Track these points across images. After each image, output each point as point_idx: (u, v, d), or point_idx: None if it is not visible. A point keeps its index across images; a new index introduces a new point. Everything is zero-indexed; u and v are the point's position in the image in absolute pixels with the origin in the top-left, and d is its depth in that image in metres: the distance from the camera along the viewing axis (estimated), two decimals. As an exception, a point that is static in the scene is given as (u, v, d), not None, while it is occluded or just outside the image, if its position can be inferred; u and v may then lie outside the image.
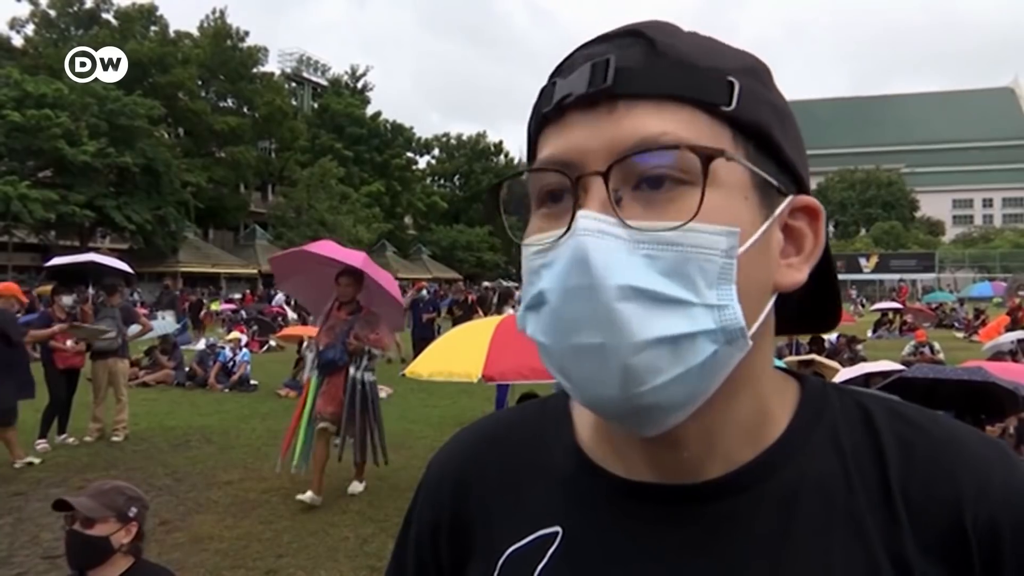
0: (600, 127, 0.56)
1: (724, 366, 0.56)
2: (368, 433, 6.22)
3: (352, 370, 6.17)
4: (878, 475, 0.60)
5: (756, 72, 0.60)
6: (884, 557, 0.57)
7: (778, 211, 0.59)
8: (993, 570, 0.57)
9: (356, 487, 6.46)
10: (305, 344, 9.47)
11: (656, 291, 0.53)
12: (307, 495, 5.95)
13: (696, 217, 0.53)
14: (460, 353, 5.59)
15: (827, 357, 9.88)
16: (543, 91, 0.61)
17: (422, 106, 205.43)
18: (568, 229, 0.54)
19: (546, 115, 0.59)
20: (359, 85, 56.23)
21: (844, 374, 7.16)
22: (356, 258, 6.45)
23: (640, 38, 0.58)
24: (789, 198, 0.60)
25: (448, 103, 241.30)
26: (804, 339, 12.24)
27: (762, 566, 0.58)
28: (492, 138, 65.31)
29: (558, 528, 0.65)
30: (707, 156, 0.54)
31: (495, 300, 13.66)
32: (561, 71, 0.60)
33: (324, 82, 58.97)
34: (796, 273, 0.61)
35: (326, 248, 6.63)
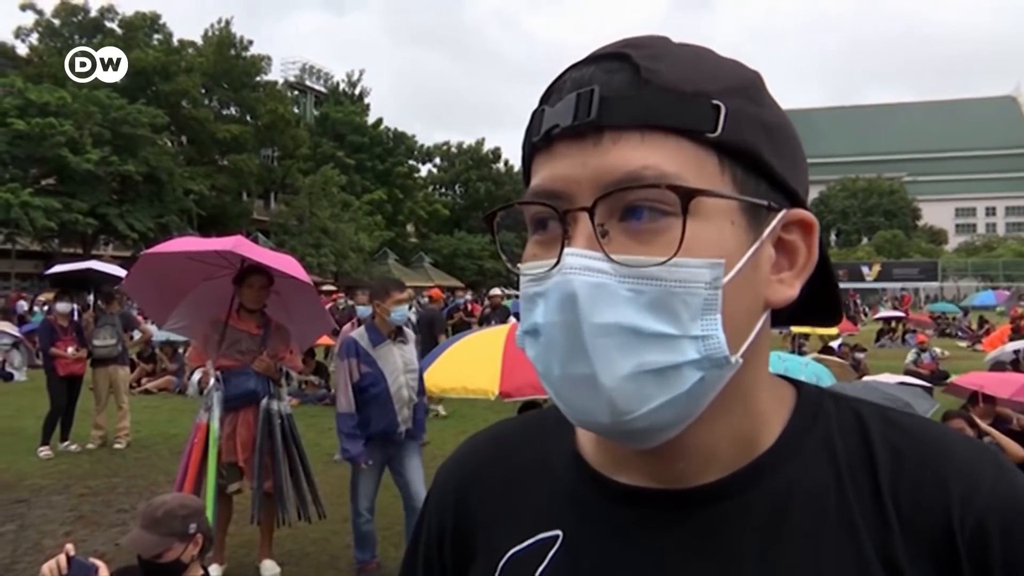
0: (586, 159, 0.57)
1: (713, 388, 0.58)
2: (300, 481, 4.84)
3: (266, 400, 4.70)
4: (870, 481, 0.61)
5: (745, 89, 0.60)
6: (876, 561, 0.58)
7: (769, 229, 0.60)
8: (982, 574, 0.57)
9: (271, 569, 4.83)
10: (195, 371, 6.20)
11: (640, 327, 0.55)
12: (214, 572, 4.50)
13: (679, 252, 0.55)
14: (473, 368, 5.27)
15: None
16: (533, 116, 0.63)
17: (405, 116, 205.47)
18: (557, 263, 0.56)
19: (536, 144, 0.61)
20: (357, 92, 56.34)
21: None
22: (225, 244, 4.67)
23: (626, 62, 0.58)
24: (782, 213, 0.61)
25: (431, 112, 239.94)
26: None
27: (754, 569, 0.59)
28: (489, 144, 65.15)
29: (559, 532, 0.67)
30: (687, 195, 0.55)
31: (487, 311, 13.42)
32: (549, 97, 0.61)
33: (325, 90, 59.11)
34: (787, 289, 0.62)
35: (188, 243, 5.03)
